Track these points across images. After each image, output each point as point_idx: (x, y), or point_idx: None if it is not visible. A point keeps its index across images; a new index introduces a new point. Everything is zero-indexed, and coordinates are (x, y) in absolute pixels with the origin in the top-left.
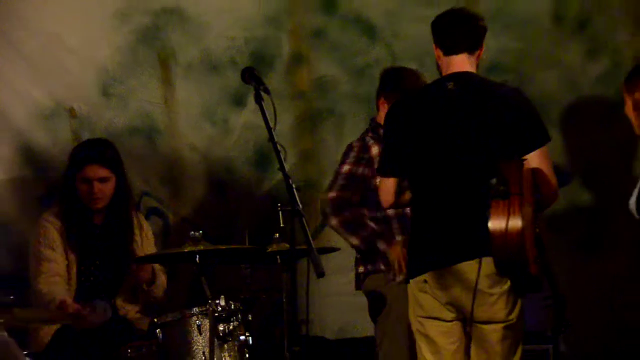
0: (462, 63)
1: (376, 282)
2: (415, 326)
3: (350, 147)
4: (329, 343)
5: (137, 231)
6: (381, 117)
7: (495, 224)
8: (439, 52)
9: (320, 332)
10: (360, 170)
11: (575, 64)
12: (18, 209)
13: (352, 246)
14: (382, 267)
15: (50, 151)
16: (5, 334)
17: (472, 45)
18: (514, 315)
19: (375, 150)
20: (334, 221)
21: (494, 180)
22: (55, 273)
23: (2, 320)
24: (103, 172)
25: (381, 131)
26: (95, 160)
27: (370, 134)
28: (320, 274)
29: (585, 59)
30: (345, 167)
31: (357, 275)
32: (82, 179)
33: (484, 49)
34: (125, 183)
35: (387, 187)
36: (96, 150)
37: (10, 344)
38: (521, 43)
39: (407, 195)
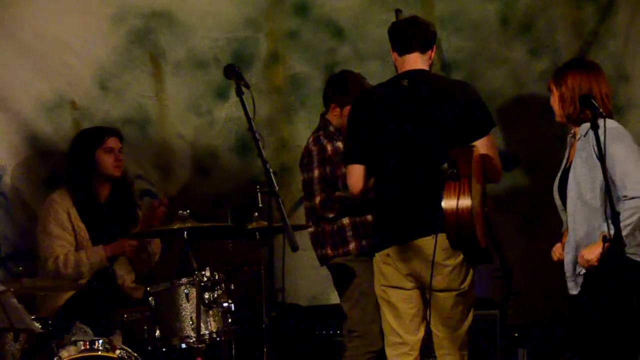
0: (414, 61)
1: (343, 260)
2: (379, 294)
3: (310, 153)
4: (302, 309)
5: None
6: (330, 116)
7: (447, 203)
8: (395, 55)
9: (294, 300)
10: (328, 169)
11: (520, 62)
12: (25, 189)
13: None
14: (351, 247)
15: (53, 138)
16: (15, 300)
17: (423, 45)
18: (466, 284)
19: (330, 147)
20: (331, 214)
21: (445, 165)
22: (67, 250)
23: (12, 289)
24: (119, 143)
25: (331, 128)
26: (113, 133)
27: (321, 133)
28: (295, 248)
29: (528, 58)
30: (316, 172)
31: (324, 255)
32: (105, 150)
33: (436, 50)
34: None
35: (355, 173)
36: (108, 127)
37: (20, 309)
38: (472, 43)
39: (372, 181)
